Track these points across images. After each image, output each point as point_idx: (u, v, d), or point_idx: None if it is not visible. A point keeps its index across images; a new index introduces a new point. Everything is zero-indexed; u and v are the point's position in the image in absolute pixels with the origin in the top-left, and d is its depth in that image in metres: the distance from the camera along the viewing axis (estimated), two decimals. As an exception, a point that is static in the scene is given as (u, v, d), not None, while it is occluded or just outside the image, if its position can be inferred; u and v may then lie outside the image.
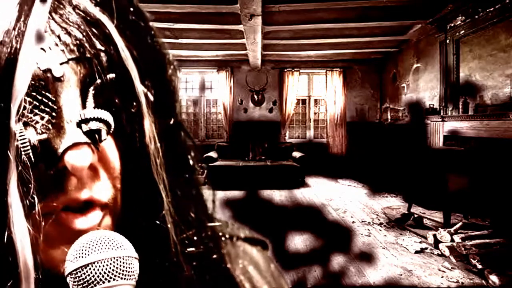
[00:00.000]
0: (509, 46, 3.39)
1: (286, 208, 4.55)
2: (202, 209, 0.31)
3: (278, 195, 5.26)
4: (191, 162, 0.31)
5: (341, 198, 5.07)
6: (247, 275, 0.34)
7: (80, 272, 0.20)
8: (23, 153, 0.20)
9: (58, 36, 0.22)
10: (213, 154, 6.26)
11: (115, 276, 0.21)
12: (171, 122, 0.29)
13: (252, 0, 3.60)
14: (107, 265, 0.21)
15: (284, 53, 6.71)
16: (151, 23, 0.29)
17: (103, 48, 0.23)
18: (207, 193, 0.33)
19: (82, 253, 0.21)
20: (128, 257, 0.22)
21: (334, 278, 2.53)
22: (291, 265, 2.71)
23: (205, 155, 6.07)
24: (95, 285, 0.20)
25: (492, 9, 3.55)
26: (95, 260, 0.21)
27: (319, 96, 7.71)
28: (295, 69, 7.31)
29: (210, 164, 5.88)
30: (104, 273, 0.20)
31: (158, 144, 0.26)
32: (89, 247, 0.21)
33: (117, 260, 0.21)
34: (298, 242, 3.22)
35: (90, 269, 0.20)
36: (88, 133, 0.22)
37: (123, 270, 0.21)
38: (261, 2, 3.68)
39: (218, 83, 7.33)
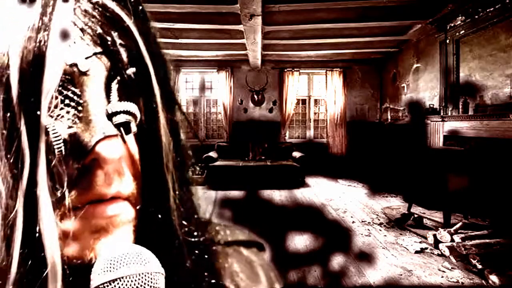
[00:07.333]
0: (509, 46, 3.39)
1: (286, 208, 4.55)
2: (194, 207, 0.32)
3: (278, 195, 5.26)
4: (188, 160, 0.31)
5: (341, 198, 5.07)
6: (240, 278, 0.33)
7: (107, 286, 0.20)
8: (55, 147, 0.20)
9: (82, 31, 0.22)
10: (213, 154, 6.25)
11: None
12: (176, 117, 0.29)
13: (252, 0, 3.60)
14: (134, 280, 0.21)
15: (284, 53, 6.71)
16: (151, 22, 0.29)
17: (123, 43, 0.24)
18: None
19: (110, 267, 0.21)
20: (155, 273, 0.22)
21: (334, 278, 2.53)
22: (291, 265, 2.70)
23: (205, 155, 6.06)
24: None
25: (492, 9, 3.55)
26: (123, 275, 0.20)
27: (319, 96, 7.71)
28: (295, 69, 7.31)
29: (210, 164, 5.88)
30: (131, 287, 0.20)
31: (170, 139, 0.27)
32: (116, 262, 0.21)
33: (144, 275, 0.21)
34: (298, 242, 3.22)
35: (117, 284, 0.20)
36: (117, 126, 0.23)
37: (149, 286, 0.21)
38: (261, 2, 3.68)
39: (218, 83, 7.33)
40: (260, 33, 4.84)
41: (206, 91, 7.64)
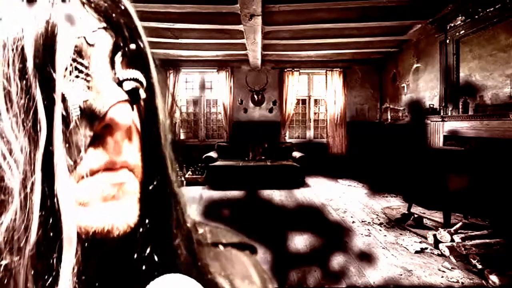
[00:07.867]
0: (509, 46, 3.39)
1: (286, 208, 4.55)
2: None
3: (278, 195, 5.26)
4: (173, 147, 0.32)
5: (341, 198, 5.07)
6: (231, 281, 0.33)
7: None
8: (73, 115, 0.21)
9: (88, 6, 0.23)
10: (213, 154, 6.25)
11: None
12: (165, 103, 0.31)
13: (252, 0, 3.60)
14: None
15: (284, 53, 6.70)
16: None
17: (124, 21, 0.25)
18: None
19: None
20: None
21: (334, 278, 2.53)
22: (291, 265, 2.70)
23: (205, 155, 6.06)
24: None
25: (492, 9, 3.55)
26: None
27: (319, 96, 7.71)
28: (295, 69, 7.31)
29: (210, 164, 5.88)
30: None
31: (167, 118, 0.29)
32: None
33: None
34: (298, 242, 3.22)
35: None
36: (127, 93, 0.24)
37: None
38: (261, 2, 3.68)
39: (218, 83, 7.33)
40: (260, 33, 4.84)
41: (206, 91, 7.64)
